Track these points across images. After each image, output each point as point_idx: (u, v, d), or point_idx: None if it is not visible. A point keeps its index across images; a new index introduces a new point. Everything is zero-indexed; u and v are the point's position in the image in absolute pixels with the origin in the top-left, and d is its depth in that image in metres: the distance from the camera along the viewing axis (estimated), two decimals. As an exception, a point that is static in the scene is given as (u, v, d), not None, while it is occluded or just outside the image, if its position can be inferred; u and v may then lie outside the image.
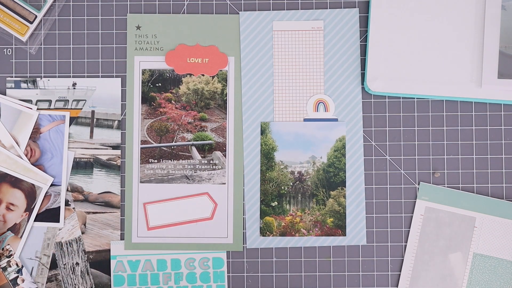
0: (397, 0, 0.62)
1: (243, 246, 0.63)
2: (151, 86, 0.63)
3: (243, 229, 0.63)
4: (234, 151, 0.63)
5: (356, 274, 0.63)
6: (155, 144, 0.63)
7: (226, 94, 0.63)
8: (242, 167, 0.63)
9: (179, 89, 0.63)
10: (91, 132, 0.63)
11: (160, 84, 0.63)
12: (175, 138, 0.63)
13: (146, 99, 0.63)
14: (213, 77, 0.63)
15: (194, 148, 0.63)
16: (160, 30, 0.63)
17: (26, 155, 0.62)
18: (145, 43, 0.63)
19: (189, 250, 0.62)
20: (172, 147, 0.63)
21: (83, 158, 0.63)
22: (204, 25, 0.63)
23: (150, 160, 0.63)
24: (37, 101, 0.63)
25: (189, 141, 0.63)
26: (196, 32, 0.63)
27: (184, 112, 0.63)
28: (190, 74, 0.63)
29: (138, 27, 0.63)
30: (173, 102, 0.63)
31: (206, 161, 0.63)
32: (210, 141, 0.63)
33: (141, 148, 0.63)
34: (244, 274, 0.63)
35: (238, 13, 0.63)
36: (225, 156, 0.63)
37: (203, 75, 0.63)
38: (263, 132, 0.63)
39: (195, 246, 0.62)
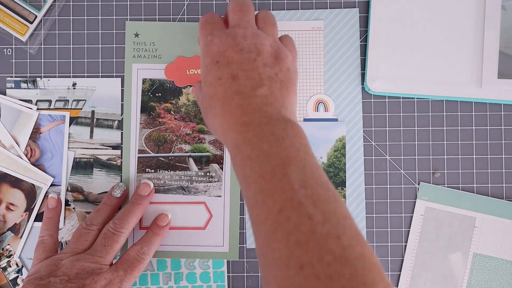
0: (397, 0, 0.62)
1: (243, 247, 0.63)
2: (151, 95, 0.63)
3: (239, 243, 0.62)
4: (231, 165, 0.63)
5: (356, 274, 0.62)
6: (152, 154, 0.63)
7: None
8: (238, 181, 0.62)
9: (179, 100, 0.63)
10: (91, 132, 0.63)
11: (160, 94, 0.63)
12: (172, 149, 0.63)
13: (145, 109, 0.63)
14: None
15: (191, 160, 0.63)
16: (158, 37, 0.63)
17: (26, 155, 0.62)
18: (143, 51, 0.63)
19: (185, 257, 0.62)
20: (170, 157, 0.63)
21: (83, 158, 0.63)
22: None
23: (147, 169, 0.63)
24: (37, 101, 0.63)
25: (186, 152, 0.63)
26: (194, 39, 0.63)
27: (183, 123, 0.63)
28: (191, 86, 0.63)
29: (137, 35, 0.63)
30: (172, 113, 0.63)
31: (202, 173, 0.63)
32: (207, 153, 0.63)
33: (138, 157, 0.63)
34: (244, 274, 0.63)
35: (238, 13, 0.63)
36: (222, 169, 0.63)
37: None
38: (263, 132, 0.63)
39: (191, 255, 0.62)
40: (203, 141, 0.63)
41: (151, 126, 0.63)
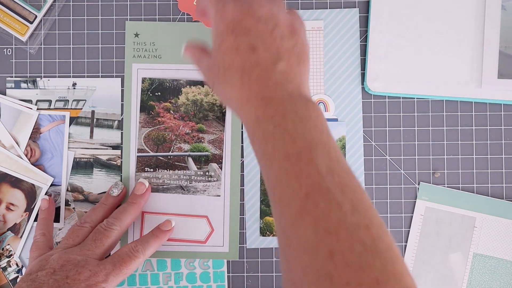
0: (397, 0, 0.62)
1: (243, 247, 0.63)
2: (151, 95, 0.63)
3: (239, 243, 0.62)
4: (231, 164, 0.62)
5: (356, 274, 0.62)
6: (151, 153, 0.63)
7: (225, 106, 0.63)
8: (238, 180, 0.62)
9: (178, 99, 0.63)
10: (91, 132, 0.63)
11: (159, 93, 0.63)
12: (172, 148, 0.63)
13: (145, 108, 0.63)
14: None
15: (190, 159, 0.63)
16: (158, 37, 0.63)
17: (26, 155, 0.62)
18: (143, 51, 0.63)
19: (184, 257, 0.62)
20: (169, 157, 0.63)
21: (83, 158, 0.63)
22: (202, 33, 0.63)
23: (146, 168, 0.62)
24: (37, 101, 0.63)
25: (185, 151, 0.63)
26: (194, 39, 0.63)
27: (182, 122, 0.63)
28: (191, 85, 0.62)
29: (137, 35, 0.63)
30: (172, 112, 0.63)
31: (201, 173, 0.63)
32: (206, 153, 0.63)
33: (138, 156, 0.62)
34: (244, 274, 0.63)
35: (238, 13, 0.63)
36: (221, 168, 0.63)
37: (202, 86, 0.63)
38: (263, 132, 0.63)
39: (191, 255, 0.62)
40: (202, 140, 0.63)
41: (151, 125, 0.63)
